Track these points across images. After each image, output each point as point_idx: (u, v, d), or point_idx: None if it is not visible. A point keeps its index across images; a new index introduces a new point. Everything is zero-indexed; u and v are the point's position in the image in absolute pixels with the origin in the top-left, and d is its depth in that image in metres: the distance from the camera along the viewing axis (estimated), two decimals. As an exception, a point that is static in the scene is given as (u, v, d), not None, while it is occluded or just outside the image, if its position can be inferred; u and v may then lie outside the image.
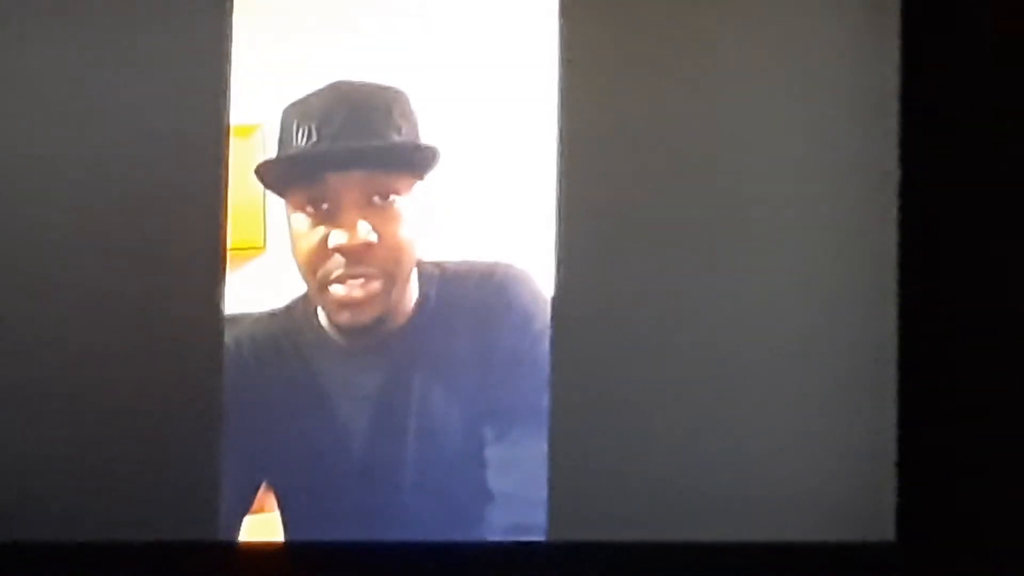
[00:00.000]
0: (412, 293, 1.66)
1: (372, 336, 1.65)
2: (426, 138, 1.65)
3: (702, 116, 1.66)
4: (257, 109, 1.65)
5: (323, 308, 1.66)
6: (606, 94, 1.66)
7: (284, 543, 1.64)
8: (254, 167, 1.65)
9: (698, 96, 1.66)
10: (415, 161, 1.64)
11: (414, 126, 1.65)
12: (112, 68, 1.64)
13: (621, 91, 1.66)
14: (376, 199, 1.64)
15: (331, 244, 1.63)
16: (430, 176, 1.65)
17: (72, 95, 1.64)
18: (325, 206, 1.64)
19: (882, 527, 1.63)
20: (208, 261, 1.63)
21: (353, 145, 1.63)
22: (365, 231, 1.63)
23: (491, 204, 1.65)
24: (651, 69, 1.66)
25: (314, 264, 1.64)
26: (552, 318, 1.64)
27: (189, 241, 1.63)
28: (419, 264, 1.65)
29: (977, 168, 1.65)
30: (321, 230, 1.64)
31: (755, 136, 1.66)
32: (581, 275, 1.65)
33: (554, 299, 1.65)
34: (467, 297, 1.65)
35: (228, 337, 1.63)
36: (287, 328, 1.65)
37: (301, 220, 1.64)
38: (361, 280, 1.64)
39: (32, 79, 1.64)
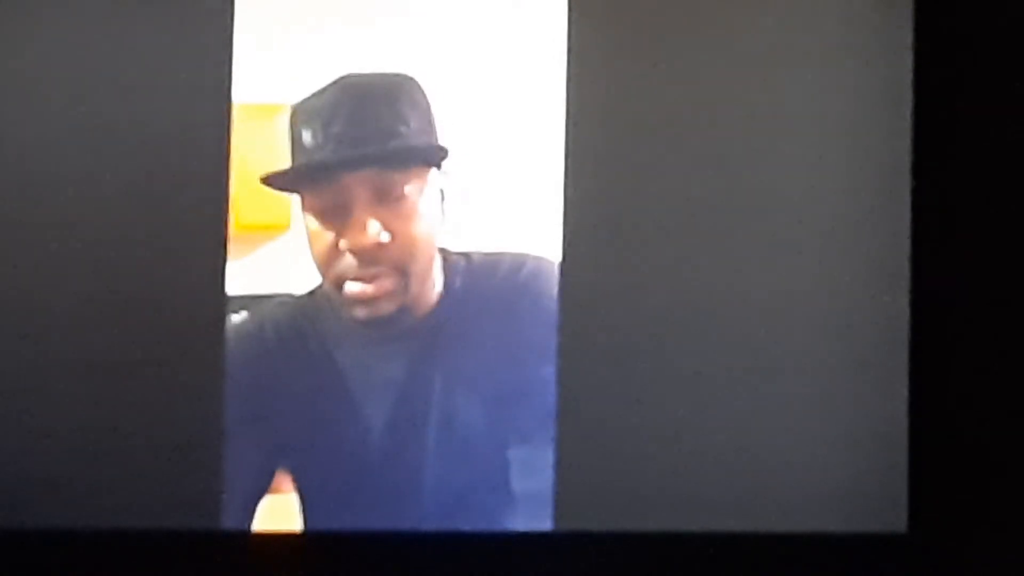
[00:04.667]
0: (435, 284, 1.63)
1: (394, 326, 1.63)
2: (435, 132, 1.61)
3: (714, 102, 1.64)
4: (283, 89, 1.61)
5: (340, 305, 1.62)
6: (615, 84, 1.63)
7: (298, 532, 1.63)
8: (276, 149, 1.61)
9: (709, 83, 1.64)
10: (424, 157, 1.61)
11: (425, 115, 1.60)
12: (116, 46, 1.59)
13: (631, 82, 1.63)
14: (387, 196, 1.60)
15: (342, 246, 1.60)
16: (445, 167, 1.62)
17: (78, 76, 1.58)
18: (335, 206, 1.60)
19: (894, 518, 1.64)
20: (214, 241, 1.60)
21: (358, 148, 1.59)
22: (376, 231, 1.60)
23: (515, 194, 1.63)
24: (665, 61, 1.64)
25: (328, 264, 1.61)
26: (562, 308, 1.63)
27: (195, 221, 1.59)
28: (445, 254, 1.62)
29: (991, 159, 1.65)
30: (332, 231, 1.60)
31: (766, 127, 1.64)
32: (593, 267, 1.63)
33: (564, 290, 1.63)
34: (494, 288, 1.63)
35: (251, 318, 1.61)
36: (310, 313, 1.62)
37: (313, 221, 1.61)
38: (374, 279, 1.61)
39: (34, 57, 1.58)
